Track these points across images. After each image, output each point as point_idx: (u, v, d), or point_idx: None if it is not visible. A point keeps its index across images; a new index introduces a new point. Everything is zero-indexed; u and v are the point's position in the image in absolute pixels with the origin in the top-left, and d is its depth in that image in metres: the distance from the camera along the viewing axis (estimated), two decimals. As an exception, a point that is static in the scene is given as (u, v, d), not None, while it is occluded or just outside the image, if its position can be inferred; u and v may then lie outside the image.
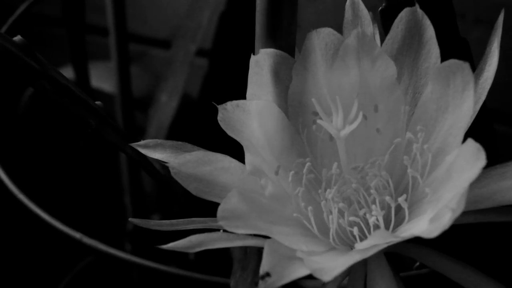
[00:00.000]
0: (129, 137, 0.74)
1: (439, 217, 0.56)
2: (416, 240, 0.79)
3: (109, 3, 1.35)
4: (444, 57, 0.65)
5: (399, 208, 0.63)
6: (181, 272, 1.07)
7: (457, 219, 0.64)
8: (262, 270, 0.53)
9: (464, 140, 0.67)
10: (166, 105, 1.39)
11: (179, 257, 1.46)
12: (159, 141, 0.69)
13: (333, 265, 0.55)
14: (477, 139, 0.77)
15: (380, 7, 0.73)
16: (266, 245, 0.56)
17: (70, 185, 1.72)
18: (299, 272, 0.55)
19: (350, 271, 0.64)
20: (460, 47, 0.75)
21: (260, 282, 0.53)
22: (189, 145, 0.69)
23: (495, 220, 0.65)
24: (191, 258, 1.46)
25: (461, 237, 0.77)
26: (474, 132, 0.74)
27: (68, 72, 1.44)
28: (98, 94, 1.50)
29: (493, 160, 0.65)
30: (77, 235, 0.86)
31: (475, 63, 0.74)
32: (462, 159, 0.58)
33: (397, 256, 0.69)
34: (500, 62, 0.68)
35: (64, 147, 1.69)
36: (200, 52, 1.45)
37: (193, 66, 1.43)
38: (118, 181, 1.54)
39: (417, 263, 0.77)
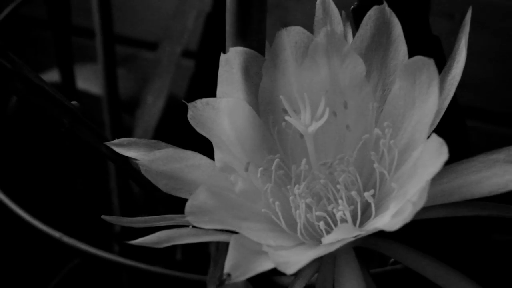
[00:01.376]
0: (106, 136, 0.74)
1: (402, 211, 0.57)
2: (394, 236, 0.80)
3: (95, 5, 1.36)
4: (416, 54, 0.66)
5: (369, 203, 0.64)
6: (168, 272, 1.08)
7: (428, 214, 0.65)
8: (227, 264, 0.54)
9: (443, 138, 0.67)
10: (152, 106, 1.40)
11: (165, 257, 1.46)
12: (133, 139, 0.70)
13: (298, 259, 0.56)
14: (449, 135, 0.78)
15: (352, 6, 0.74)
16: (233, 239, 0.56)
17: (58, 187, 1.73)
18: (264, 265, 0.56)
19: (320, 267, 0.64)
20: (432, 44, 0.76)
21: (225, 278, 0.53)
22: (162, 144, 0.70)
23: (465, 214, 0.65)
24: (178, 258, 1.47)
25: (437, 232, 0.78)
26: (447, 128, 0.75)
27: (54, 75, 1.45)
28: (85, 96, 1.51)
29: (466, 155, 0.66)
30: (56, 234, 0.86)
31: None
32: (426, 154, 0.59)
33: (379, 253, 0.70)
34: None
35: (53, 148, 1.70)
36: (186, 54, 1.46)
37: (180, 67, 1.44)
38: (106, 182, 1.54)
39: (393, 259, 0.78)
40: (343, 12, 0.74)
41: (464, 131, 0.78)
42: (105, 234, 1.52)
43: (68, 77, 1.36)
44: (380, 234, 0.62)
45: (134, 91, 1.56)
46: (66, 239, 0.87)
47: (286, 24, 0.73)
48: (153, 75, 1.43)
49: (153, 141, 0.70)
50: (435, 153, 0.57)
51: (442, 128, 0.69)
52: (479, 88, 1.68)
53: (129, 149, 0.69)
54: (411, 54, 0.66)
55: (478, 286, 0.63)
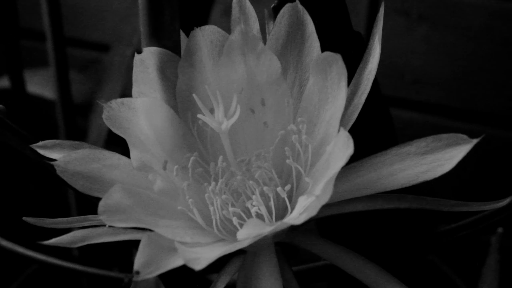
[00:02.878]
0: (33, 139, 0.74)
1: (310, 205, 0.57)
2: (331, 232, 0.80)
3: (45, 7, 1.36)
4: (338, 51, 0.67)
5: (289, 199, 0.65)
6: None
7: (347, 208, 0.66)
8: (137, 261, 0.55)
9: (367, 132, 0.68)
10: (105, 109, 1.40)
11: (122, 258, 1.47)
12: (57, 141, 0.70)
13: (209, 255, 0.57)
14: (375, 127, 0.79)
15: (273, 4, 0.75)
16: (144, 237, 0.57)
17: (14, 189, 1.72)
18: (176, 262, 0.56)
19: (242, 263, 0.65)
20: (353, 41, 0.77)
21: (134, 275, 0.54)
22: (86, 144, 0.70)
23: (383, 207, 0.66)
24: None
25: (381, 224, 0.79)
26: (372, 120, 0.76)
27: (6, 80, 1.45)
28: (39, 100, 1.51)
29: (391, 147, 0.67)
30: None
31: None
32: (337, 149, 0.59)
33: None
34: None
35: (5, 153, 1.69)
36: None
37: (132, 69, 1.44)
38: (63, 183, 1.54)
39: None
40: (265, 10, 0.75)
41: (389, 123, 0.79)
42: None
43: (18, 82, 1.36)
44: (310, 230, 0.63)
45: (89, 95, 1.56)
46: (4, 242, 0.87)
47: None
48: (105, 78, 1.43)
49: (78, 142, 0.70)
50: (342, 147, 0.58)
51: (366, 122, 0.70)
52: (442, 86, 1.71)
53: (53, 150, 0.70)
54: (333, 51, 0.67)
55: (397, 282, 0.63)
